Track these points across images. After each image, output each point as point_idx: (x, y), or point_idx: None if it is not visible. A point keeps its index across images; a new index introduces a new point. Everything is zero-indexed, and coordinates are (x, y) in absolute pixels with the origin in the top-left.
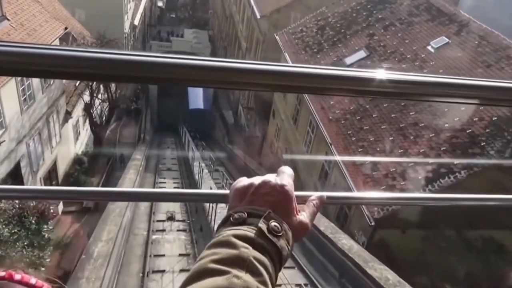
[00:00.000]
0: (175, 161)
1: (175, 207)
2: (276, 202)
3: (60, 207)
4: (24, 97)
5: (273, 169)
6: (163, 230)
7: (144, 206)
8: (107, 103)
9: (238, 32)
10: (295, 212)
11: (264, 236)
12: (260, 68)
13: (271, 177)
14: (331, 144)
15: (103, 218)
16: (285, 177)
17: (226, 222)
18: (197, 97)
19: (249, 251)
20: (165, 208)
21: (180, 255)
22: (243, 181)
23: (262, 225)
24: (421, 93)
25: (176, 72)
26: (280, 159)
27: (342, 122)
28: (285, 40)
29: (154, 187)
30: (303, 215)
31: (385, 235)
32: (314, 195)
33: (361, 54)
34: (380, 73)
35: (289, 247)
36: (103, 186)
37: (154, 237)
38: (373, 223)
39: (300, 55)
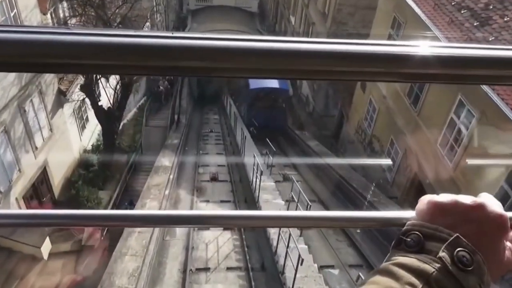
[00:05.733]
0: (222, 158)
1: None
2: (483, 234)
3: (46, 246)
4: None
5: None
6: None
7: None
8: (120, 78)
9: None
10: (502, 247)
11: (445, 270)
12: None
13: (487, 201)
14: None
15: None
16: (497, 205)
17: (400, 244)
18: None
19: None
20: None
21: None
22: (445, 197)
23: (443, 253)
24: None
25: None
26: (380, 155)
27: None
28: None
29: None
30: (510, 250)
31: None
32: None
33: None
34: (424, 47)
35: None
36: (117, 203)
37: None
38: None
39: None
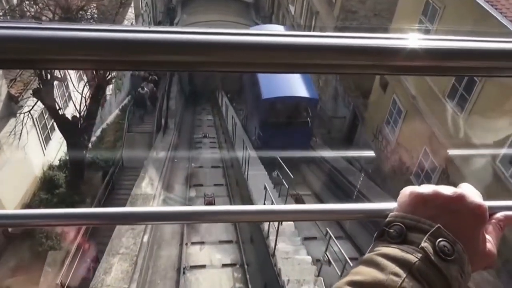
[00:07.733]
0: (219, 173)
1: None
2: (463, 224)
3: None
4: None
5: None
6: None
7: None
8: (91, 78)
9: None
10: (481, 238)
11: (427, 260)
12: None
13: (467, 192)
14: None
15: None
16: (477, 196)
17: (383, 235)
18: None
19: (400, 280)
20: None
21: None
22: (426, 188)
23: (426, 244)
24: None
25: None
26: (409, 168)
27: None
28: None
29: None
30: (490, 242)
31: None
32: (500, 213)
33: None
34: (413, 40)
35: (463, 276)
36: (87, 239)
37: None
38: None
39: None
